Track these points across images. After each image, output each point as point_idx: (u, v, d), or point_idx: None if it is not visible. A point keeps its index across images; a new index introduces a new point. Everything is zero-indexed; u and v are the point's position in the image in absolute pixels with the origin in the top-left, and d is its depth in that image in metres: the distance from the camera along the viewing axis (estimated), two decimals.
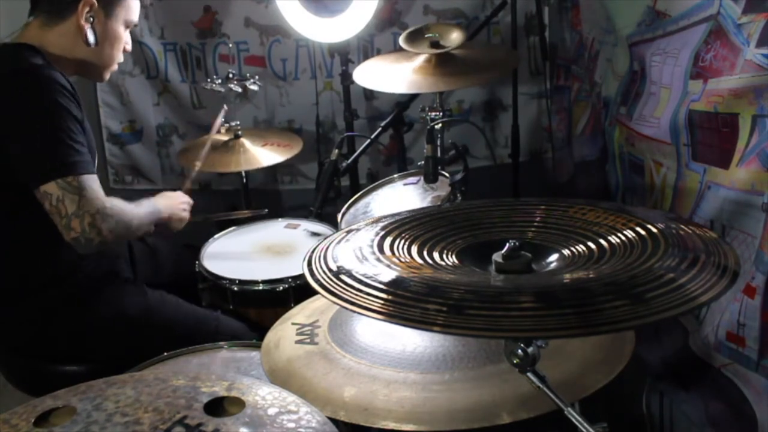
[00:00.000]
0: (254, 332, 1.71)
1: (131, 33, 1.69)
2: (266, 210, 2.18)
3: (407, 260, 0.96)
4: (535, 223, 1.07)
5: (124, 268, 1.78)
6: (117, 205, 1.52)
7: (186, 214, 1.82)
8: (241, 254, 1.96)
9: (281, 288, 1.77)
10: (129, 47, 1.71)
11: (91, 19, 1.57)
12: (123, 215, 1.52)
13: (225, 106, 2.32)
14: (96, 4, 1.56)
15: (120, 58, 1.69)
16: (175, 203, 1.80)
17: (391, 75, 1.94)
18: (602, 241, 0.97)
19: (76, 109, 1.50)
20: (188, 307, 1.75)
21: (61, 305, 1.60)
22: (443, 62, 1.90)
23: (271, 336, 1.27)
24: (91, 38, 1.57)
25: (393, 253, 0.98)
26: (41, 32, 1.56)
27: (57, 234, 1.49)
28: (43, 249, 1.57)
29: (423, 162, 1.74)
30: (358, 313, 0.83)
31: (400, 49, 1.98)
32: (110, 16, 1.61)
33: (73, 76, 1.61)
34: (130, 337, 1.64)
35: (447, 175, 1.81)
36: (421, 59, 1.93)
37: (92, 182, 1.47)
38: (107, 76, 1.71)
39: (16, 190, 1.49)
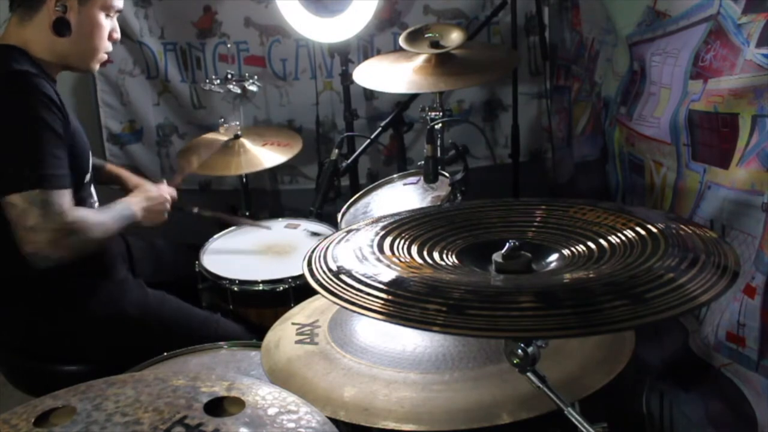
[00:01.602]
0: (254, 335, 1.71)
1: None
2: (270, 227, 2.11)
3: (407, 260, 0.96)
4: (535, 223, 1.07)
5: (122, 267, 1.78)
6: (81, 219, 1.46)
7: (164, 213, 1.76)
8: (241, 254, 1.96)
9: (281, 288, 1.78)
10: (117, 35, 1.64)
11: (62, 9, 1.50)
12: (85, 229, 1.47)
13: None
14: None
15: (106, 47, 1.62)
16: (153, 203, 1.73)
17: (391, 75, 1.94)
18: (602, 241, 0.97)
19: (59, 122, 1.46)
20: (189, 309, 1.75)
21: (60, 305, 1.60)
22: (443, 62, 1.90)
23: (271, 336, 1.27)
24: (62, 28, 1.50)
25: (393, 253, 0.98)
26: (19, 30, 1.52)
27: None
28: None
29: (423, 162, 1.74)
30: (358, 313, 0.83)
31: (400, 49, 1.98)
32: (84, 3, 1.53)
33: (64, 72, 1.59)
34: (129, 337, 1.64)
35: (447, 175, 1.81)
36: (421, 59, 1.93)
37: (60, 197, 1.42)
38: (95, 66, 1.64)
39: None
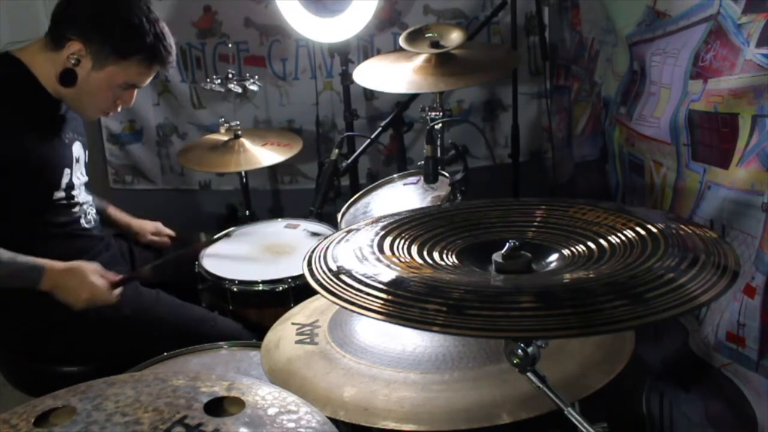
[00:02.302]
0: (252, 333, 1.71)
1: None
2: (216, 237, 1.95)
3: (407, 260, 0.96)
4: (535, 223, 1.07)
5: (124, 269, 1.77)
6: None
7: (82, 298, 1.53)
8: (240, 254, 1.96)
9: (281, 288, 1.78)
10: (127, 103, 1.63)
11: (75, 62, 1.50)
12: None
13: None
14: (84, 50, 1.50)
15: (107, 109, 1.61)
16: (74, 282, 1.53)
17: (391, 75, 1.94)
18: (602, 241, 0.97)
19: (8, 140, 1.44)
20: (185, 307, 1.75)
21: (59, 305, 1.59)
22: (443, 62, 1.90)
23: (271, 336, 1.27)
24: (69, 81, 1.50)
25: (393, 253, 0.98)
26: (36, 52, 1.54)
27: (54, 235, 1.49)
28: (40, 249, 1.56)
29: (423, 162, 1.74)
30: (358, 313, 0.83)
31: (400, 49, 1.98)
32: (98, 70, 1.52)
33: None
34: (126, 336, 1.64)
35: (447, 175, 1.81)
36: (421, 59, 1.93)
37: None
38: (90, 119, 1.65)
39: (10, 191, 1.49)
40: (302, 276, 1.04)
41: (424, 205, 1.84)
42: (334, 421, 0.90)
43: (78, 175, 1.65)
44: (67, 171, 1.61)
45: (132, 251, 1.92)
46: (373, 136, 2.28)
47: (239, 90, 2.41)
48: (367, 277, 0.89)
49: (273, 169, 2.81)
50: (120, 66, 1.53)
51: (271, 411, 0.79)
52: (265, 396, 0.82)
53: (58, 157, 1.59)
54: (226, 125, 2.40)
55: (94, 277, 1.56)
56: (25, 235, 1.55)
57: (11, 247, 1.50)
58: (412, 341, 1.17)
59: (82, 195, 1.67)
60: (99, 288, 1.55)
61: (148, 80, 1.61)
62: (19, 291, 1.59)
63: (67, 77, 1.51)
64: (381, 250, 0.99)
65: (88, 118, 1.67)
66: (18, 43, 1.58)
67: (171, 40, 1.60)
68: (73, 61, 1.50)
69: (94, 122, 2.72)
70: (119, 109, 1.64)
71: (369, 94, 2.74)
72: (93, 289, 1.54)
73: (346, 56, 2.46)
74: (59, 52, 1.51)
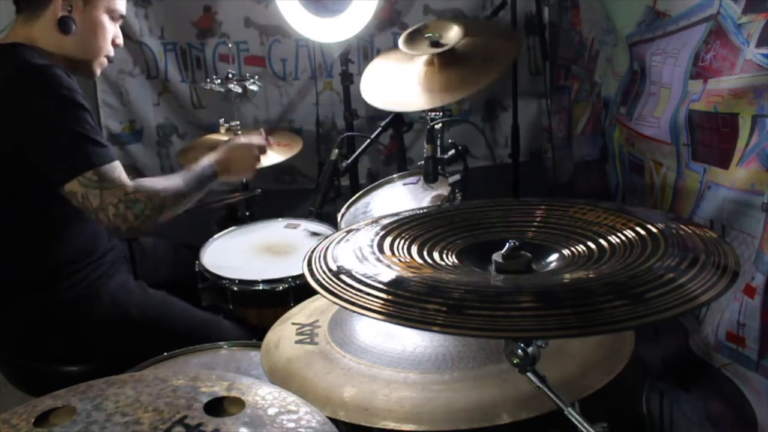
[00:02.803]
0: (254, 335, 1.71)
1: (129, 31, 1.67)
2: (259, 190, 2.25)
3: (407, 260, 0.96)
4: (535, 223, 1.07)
5: (124, 268, 1.78)
6: (143, 187, 1.49)
7: (254, 162, 1.80)
8: (241, 254, 1.96)
9: (281, 288, 1.77)
10: (120, 41, 1.68)
11: (69, 8, 1.54)
12: (151, 196, 1.49)
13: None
14: None
15: (109, 50, 1.65)
16: (235, 153, 1.77)
17: (400, 92, 1.88)
18: (602, 241, 0.97)
19: (86, 102, 1.50)
20: (190, 310, 1.75)
21: (61, 305, 1.60)
22: (447, 61, 1.85)
23: (271, 336, 1.27)
24: (68, 26, 1.54)
25: (393, 253, 0.98)
26: (26, 29, 1.55)
27: (57, 233, 1.49)
28: (43, 249, 1.57)
29: (423, 162, 1.74)
30: (358, 313, 0.83)
31: (397, 48, 1.94)
32: (89, 4, 1.58)
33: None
34: (131, 338, 1.64)
35: (447, 175, 1.81)
36: (423, 62, 1.88)
37: (112, 171, 1.47)
38: (98, 70, 1.67)
39: (15, 190, 1.50)
40: (302, 276, 1.04)
41: (424, 205, 1.84)
42: (334, 421, 0.90)
43: None
44: None
45: (132, 251, 1.91)
46: (373, 136, 2.28)
47: (239, 90, 2.41)
48: (367, 277, 0.89)
49: (273, 169, 2.81)
50: None
51: (271, 411, 0.79)
52: (265, 396, 0.82)
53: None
54: (226, 125, 2.40)
55: (245, 140, 1.82)
56: (45, 221, 1.55)
57: (27, 232, 1.54)
58: (412, 341, 1.17)
59: None
60: (256, 146, 1.82)
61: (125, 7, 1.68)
62: (19, 291, 1.59)
63: (66, 24, 1.55)
64: (381, 250, 0.99)
65: (93, 67, 1.66)
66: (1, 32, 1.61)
67: None
68: (66, 8, 1.54)
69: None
70: (113, 53, 1.68)
71: None
72: (253, 150, 1.81)
73: (346, 56, 2.46)
74: (46, 10, 1.54)
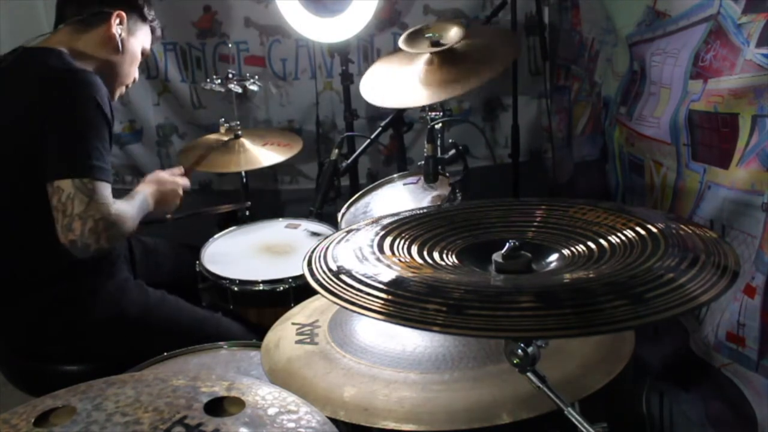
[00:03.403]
0: (254, 335, 1.71)
1: None
2: (249, 203, 2.25)
3: (407, 260, 0.96)
4: (535, 223, 1.07)
5: (124, 268, 1.78)
6: (121, 212, 1.52)
7: (177, 198, 1.83)
8: (241, 254, 1.96)
9: (281, 288, 1.77)
10: (136, 78, 1.80)
11: (119, 31, 1.67)
12: (123, 222, 1.52)
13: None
14: (125, 17, 1.67)
15: (133, 77, 1.78)
16: (166, 189, 1.79)
17: (399, 88, 1.89)
18: (602, 241, 0.97)
19: (111, 118, 1.54)
20: (189, 309, 1.75)
21: (60, 305, 1.60)
22: (446, 61, 1.86)
23: (271, 336, 1.27)
24: (120, 45, 1.67)
25: (393, 253, 0.98)
26: (71, 40, 1.64)
27: (56, 233, 1.48)
28: (43, 248, 1.57)
29: (423, 162, 1.74)
30: (358, 313, 0.83)
31: (402, 53, 1.95)
32: (133, 34, 1.72)
33: None
34: (130, 337, 1.64)
35: (447, 175, 1.81)
36: (423, 61, 1.89)
37: (105, 189, 1.48)
38: (117, 94, 1.78)
39: (18, 189, 1.49)
40: (302, 276, 1.04)
41: (424, 205, 1.84)
42: (334, 421, 0.90)
43: None
44: None
45: (132, 250, 1.91)
46: (373, 136, 2.28)
47: (239, 90, 2.41)
48: (367, 277, 0.89)
49: (273, 169, 2.81)
50: (144, 30, 1.76)
51: (271, 411, 0.79)
52: (265, 396, 0.82)
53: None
54: (226, 125, 2.40)
55: (170, 176, 1.84)
56: (45, 221, 1.55)
57: (27, 231, 1.56)
58: (412, 341, 1.17)
59: None
60: (179, 184, 1.84)
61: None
62: (19, 290, 1.59)
63: (121, 44, 1.68)
64: (381, 250, 0.99)
65: (114, 91, 1.75)
66: (38, 38, 1.69)
67: None
68: (119, 31, 1.67)
69: None
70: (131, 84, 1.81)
71: None
72: (179, 189, 1.84)
73: (346, 56, 2.46)
74: (100, 27, 1.65)
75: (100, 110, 1.50)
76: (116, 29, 1.66)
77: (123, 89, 1.78)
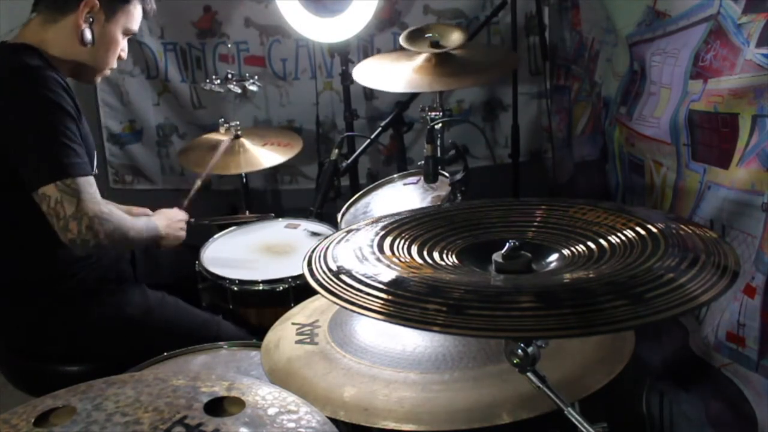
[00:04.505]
0: (254, 335, 1.71)
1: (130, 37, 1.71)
2: (273, 214, 2.19)
3: (407, 260, 0.96)
4: (535, 223, 1.07)
5: (125, 269, 1.78)
6: (114, 210, 1.53)
7: (183, 234, 1.82)
8: (241, 254, 1.96)
9: (281, 288, 1.78)
10: (124, 55, 1.72)
11: (90, 20, 1.57)
12: (120, 222, 1.52)
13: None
14: (98, 5, 1.56)
15: (114, 63, 1.69)
16: (173, 222, 1.79)
17: (391, 74, 1.94)
18: (602, 241, 0.97)
19: (74, 110, 1.50)
20: (189, 310, 1.75)
21: (61, 305, 1.60)
22: (443, 62, 1.90)
23: (271, 336, 1.27)
24: (88, 37, 1.57)
25: (393, 253, 0.98)
26: (40, 30, 1.56)
27: (57, 234, 1.48)
28: (43, 249, 1.57)
29: (423, 162, 1.74)
30: (358, 313, 0.83)
31: (401, 49, 1.98)
32: (110, 20, 1.61)
33: (67, 78, 1.61)
34: (130, 338, 1.64)
35: (447, 175, 1.81)
36: (421, 59, 1.93)
37: (89, 185, 1.47)
38: (98, 79, 1.71)
39: (15, 191, 1.49)
40: (302, 276, 1.04)
41: (424, 205, 1.84)
42: (334, 421, 0.90)
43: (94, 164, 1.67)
44: (94, 156, 1.63)
45: (132, 252, 1.91)
46: (373, 136, 2.28)
47: (239, 90, 2.41)
48: (367, 277, 0.89)
49: (273, 169, 2.81)
50: (124, 11, 1.63)
51: (271, 411, 0.79)
52: (265, 396, 0.82)
53: (93, 143, 1.64)
54: (226, 125, 2.40)
55: (177, 215, 1.85)
56: (45, 222, 1.55)
57: (27, 232, 1.54)
58: (412, 341, 1.17)
59: None
60: (183, 224, 1.83)
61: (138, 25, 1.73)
62: (19, 291, 1.59)
63: (86, 36, 1.58)
64: (381, 250, 0.99)
65: (95, 77, 1.69)
66: (12, 31, 1.63)
67: None
68: (90, 20, 1.57)
69: (94, 122, 2.72)
70: (116, 66, 1.72)
71: (369, 94, 2.74)
72: (182, 227, 1.82)
73: (346, 56, 2.46)
74: (69, 16, 1.56)
75: (56, 105, 1.46)
76: (84, 19, 1.56)
77: (107, 72, 1.71)
